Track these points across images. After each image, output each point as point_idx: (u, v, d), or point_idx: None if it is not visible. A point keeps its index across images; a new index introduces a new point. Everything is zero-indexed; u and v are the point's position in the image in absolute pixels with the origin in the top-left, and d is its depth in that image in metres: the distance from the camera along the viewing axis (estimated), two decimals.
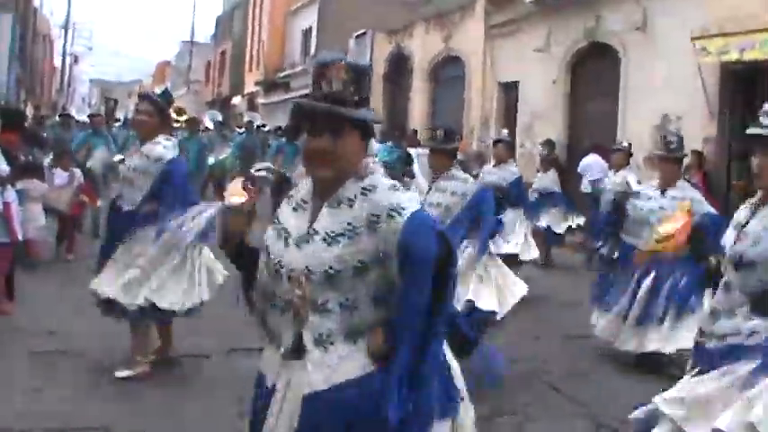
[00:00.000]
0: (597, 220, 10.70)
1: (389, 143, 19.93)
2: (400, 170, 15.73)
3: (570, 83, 20.33)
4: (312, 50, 40.18)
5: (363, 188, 2.76)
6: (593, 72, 19.52)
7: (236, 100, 50.17)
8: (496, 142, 13.14)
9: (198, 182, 16.22)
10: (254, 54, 50.43)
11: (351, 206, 2.73)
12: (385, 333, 2.70)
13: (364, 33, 32.71)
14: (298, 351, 2.75)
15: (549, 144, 17.65)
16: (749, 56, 13.82)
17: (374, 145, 19.00)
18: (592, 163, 16.87)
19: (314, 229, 2.76)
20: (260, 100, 46.81)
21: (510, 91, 22.85)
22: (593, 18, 18.99)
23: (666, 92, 16.47)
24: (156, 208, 6.35)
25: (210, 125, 23.77)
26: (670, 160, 8.05)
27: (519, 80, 22.27)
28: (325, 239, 2.71)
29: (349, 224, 2.70)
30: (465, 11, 25.18)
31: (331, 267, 2.67)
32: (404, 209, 2.66)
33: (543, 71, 20.80)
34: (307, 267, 2.69)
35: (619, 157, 13.81)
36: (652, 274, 7.71)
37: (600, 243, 8.80)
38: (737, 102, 15.32)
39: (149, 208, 6.42)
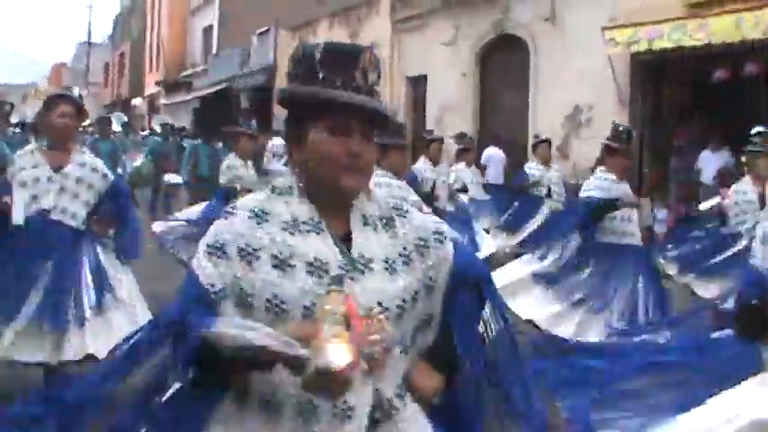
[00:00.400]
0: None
1: None
2: None
3: (480, 75, 20.21)
4: (214, 49, 39.36)
5: (395, 207, 2.31)
6: (503, 64, 19.44)
7: (137, 101, 48.93)
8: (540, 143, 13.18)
9: None
10: (154, 54, 49.19)
11: (391, 227, 2.26)
12: (440, 375, 2.30)
13: (267, 30, 32.11)
14: (382, 413, 2.14)
15: (462, 137, 17.43)
16: (658, 45, 13.83)
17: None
18: (493, 155, 16.86)
19: (363, 256, 2.16)
20: (162, 101, 45.69)
21: (418, 85, 22.63)
22: (500, 10, 18.87)
23: (577, 83, 16.44)
24: (104, 225, 5.86)
25: (118, 127, 22.89)
26: (626, 152, 7.18)
27: (427, 74, 22.03)
28: (386, 268, 2.17)
29: (404, 248, 2.22)
30: (370, 6, 24.87)
31: (404, 300, 2.16)
32: (444, 233, 2.31)
33: (452, 64, 20.62)
34: (379, 303, 2.09)
35: (544, 149, 13.39)
36: None
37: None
38: (648, 91, 15.41)
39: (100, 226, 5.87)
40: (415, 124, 22.14)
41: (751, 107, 14.16)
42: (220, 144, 14.78)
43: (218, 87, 34.40)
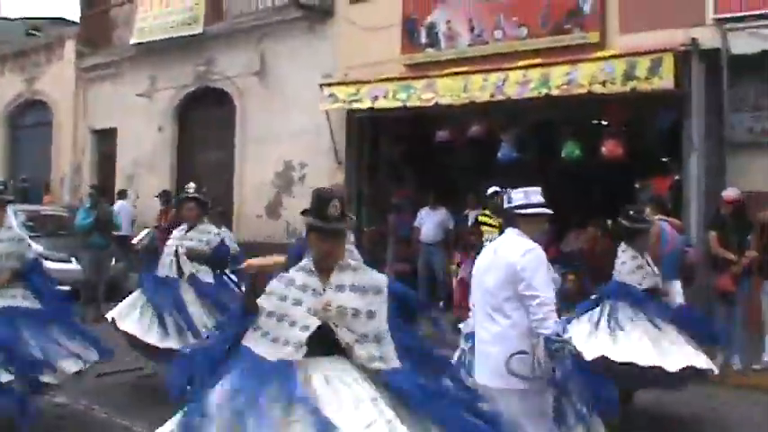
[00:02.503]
0: None
1: None
2: None
3: (179, 130, 19.09)
4: None
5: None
6: (206, 118, 18.49)
7: None
8: None
9: None
10: None
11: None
12: None
13: None
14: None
15: (165, 195, 16.31)
16: (381, 104, 13.67)
17: None
18: (121, 207, 17.11)
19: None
20: None
21: (107, 138, 20.96)
22: (204, 61, 18.00)
23: (288, 139, 15.96)
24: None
25: None
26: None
27: (117, 126, 20.48)
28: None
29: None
30: (51, 51, 22.87)
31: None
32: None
33: (147, 117, 19.32)
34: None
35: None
36: None
37: None
38: (364, 149, 15.23)
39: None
40: (102, 180, 20.55)
41: (473, 166, 14.53)
42: None
43: None
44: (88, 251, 13.17)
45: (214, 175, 17.57)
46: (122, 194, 18.32)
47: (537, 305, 4.58)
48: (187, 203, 8.43)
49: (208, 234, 8.26)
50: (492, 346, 4.81)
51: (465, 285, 12.37)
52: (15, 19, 37.07)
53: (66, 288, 12.22)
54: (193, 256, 8.19)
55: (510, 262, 4.76)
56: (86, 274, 13.12)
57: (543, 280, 4.69)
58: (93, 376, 7.76)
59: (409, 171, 15.20)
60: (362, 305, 3.80)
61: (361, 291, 3.84)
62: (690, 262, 9.90)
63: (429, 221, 13.79)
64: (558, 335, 4.51)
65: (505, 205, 5.09)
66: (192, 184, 8.67)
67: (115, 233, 14.24)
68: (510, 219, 5.04)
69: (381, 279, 3.97)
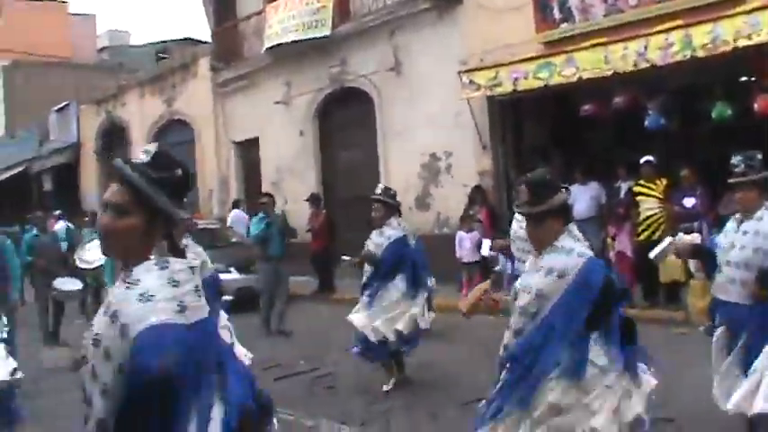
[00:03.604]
0: None
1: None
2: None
3: (320, 132, 19.47)
4: (2, 129, 36.56)
5: None
6: (345, 118, 18.76)
7: None
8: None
9: None
10: None
11: None
12: None
13: (67, 105, 30.04)
14: None
15: (314, 198, 16.67)
16: (523, 85, 13.61)
17: None
18: (236, 216, 18.26)
19: None
20: None
21: (249, 148, 21.60)
22: (338, 62, 18.32)
23: (431, 130, 16.06)
24: None
25: None
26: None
27: (258, 136, 21.08)
28: None
29: None
30: (186, 70, 23.71)
31: None
32: None
33: (287, 123, 19.81)
34: None
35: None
36: None
37: None
38: (508, 132, 15.19)
39: None
40: (249, 189, 21.21)
41: (617, 138, 14.32)
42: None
43: (15, 171, 31.85)
44: (266, 261, 12.96)
45: (359, 173, 17.88)
46: (236, 204, 18.81)
47: None
48: (373, 205, 8.61)
49: (385, 238, 8.42)
50: None
51: (623, 258, 12.30)
52: (144, 45, 38.68)
53: (229, 298, 12.85)
54: (366, 259, 8.42)
55: None
56: (264, 285, 12.98)
57: None
58: (272, 380, 8.15)
59: (555, 149, 15.07)
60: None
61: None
62: None
63: (581, 197, 13.60)
64: None
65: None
66: (380, 185, 8.86)
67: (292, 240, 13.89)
68: None
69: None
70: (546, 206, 4.14)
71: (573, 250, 4.07)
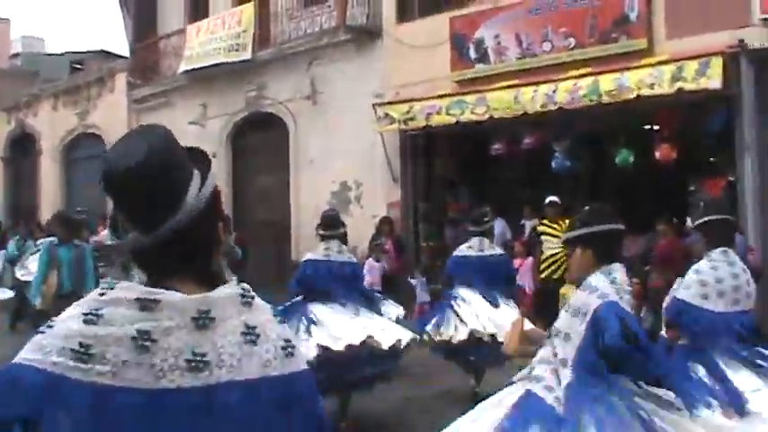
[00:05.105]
0: None
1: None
2: None
3: (233, 156, 19.52)
4: None
5: None
6: (259, 144, 18.90)
7: None
8: None
9: None
10: None
11: None
12: None
13: None
14: None
15: (224, 220, 16.65)
16: (435, 121, 14.00)
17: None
18: None
19: None
20: None
21: None
22: (255, 87, 18.44)
23: (343, 159, 16.29)
24: None
25: None
26: None
27: None
28: None
29: None
30: (102, 84, 23.48)
31: None
32: None
33: (201, 144, 19.14)
34: None
35: None
36: None
37: None
38: (419, 166, 15.53)
39: None
40: None
41: (525, 177, 14.77)
42: None
43: None
44: None
45: (270, 199, 17.99)
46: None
47: None
48: None
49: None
50: None
51: (523, 295, 12.68)
52: (60, 54, 37.95)
53: None
54: None
55: None
56: None
57: None
58: None
59: (464, 185, 15.45)
60: None
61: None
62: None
63: None
64: None
65: None
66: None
67: None
68: None
69: None
70: (575, 232, 3.99)
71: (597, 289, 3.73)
